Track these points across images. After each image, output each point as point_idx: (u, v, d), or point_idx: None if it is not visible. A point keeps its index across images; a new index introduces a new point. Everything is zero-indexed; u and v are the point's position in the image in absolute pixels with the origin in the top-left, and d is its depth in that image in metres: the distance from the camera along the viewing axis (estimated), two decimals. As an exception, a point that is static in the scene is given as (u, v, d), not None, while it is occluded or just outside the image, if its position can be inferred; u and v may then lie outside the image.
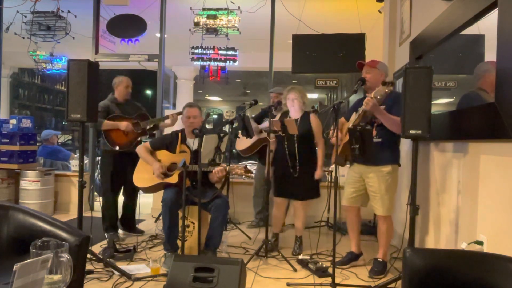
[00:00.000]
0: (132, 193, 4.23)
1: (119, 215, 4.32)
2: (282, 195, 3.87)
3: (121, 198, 4.34)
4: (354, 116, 3.21)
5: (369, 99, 2.94)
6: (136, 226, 4.44)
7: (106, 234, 4.08)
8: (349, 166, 3.48)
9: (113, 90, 4.21)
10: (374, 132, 3.18)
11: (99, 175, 4.39)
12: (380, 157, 3.17)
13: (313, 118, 3.85)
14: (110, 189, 4.13)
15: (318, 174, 3.80)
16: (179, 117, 4.08)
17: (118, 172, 4.09)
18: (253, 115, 4.63)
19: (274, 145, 3.78)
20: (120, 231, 4.30)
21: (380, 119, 3.08)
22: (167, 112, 5.59)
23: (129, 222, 4.32)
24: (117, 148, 4.02)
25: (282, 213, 4.03)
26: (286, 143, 3.77)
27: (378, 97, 2.97)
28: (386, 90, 2.96)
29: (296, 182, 3.76)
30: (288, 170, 3.76)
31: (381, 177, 3.20)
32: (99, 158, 4.76)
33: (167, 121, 4.30)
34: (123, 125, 4.00)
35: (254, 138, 4.22)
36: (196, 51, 5.77)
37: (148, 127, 4.19)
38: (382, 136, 3.19)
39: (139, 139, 4.12)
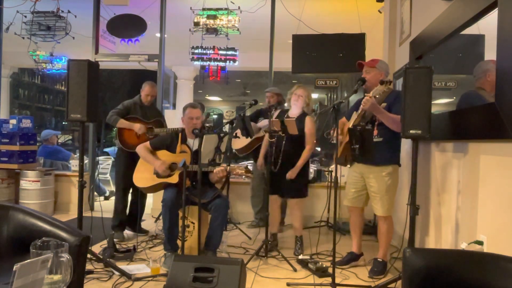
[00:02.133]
0: (142, 193, 4.22)
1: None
2: (271, 192, 3.86)
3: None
4: (354, 116, 3.21)
5: (367, 99, 2.94)
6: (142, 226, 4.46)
7: (112, 231, 4.07)
8: (349, 166, 3.47)
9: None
10: (376, 132, 3.18)
11: (115, 173, 4.46)
12: (381, 157, 3.15)
13: (308, 121, 3.85)
14: (121, 185, 4.21)
15: (289, 173, 3.74)
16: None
17: (129, 170, 4.09)
18: (247, 115, 4.62)
19: (268, 144, 3.77)
20: (126, 231, 4.31)
21: (379, 118, 3.08)
22: (167, 113, 5.59)
23: (135, 221, 4.32)
24: (128, 149, 4.12)
25: (276, 211, 4.01)
26: (276, 141, 3.76)
27: (377, 96, 2.97)
28: (385, 89, 2.96)
29: (277, 179, 3.74)
30: (272, 167, 3.76)
31: (381, 178, 3.20)
32: (99, 158, 4.77)
33: None
34: (137, 126, 4.12)
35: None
36: (196, 51, 5.77)
37: (160, 134, 4.22)
38: (383, 135, 3.17)
39: None
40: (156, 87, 4.39)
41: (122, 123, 4.11)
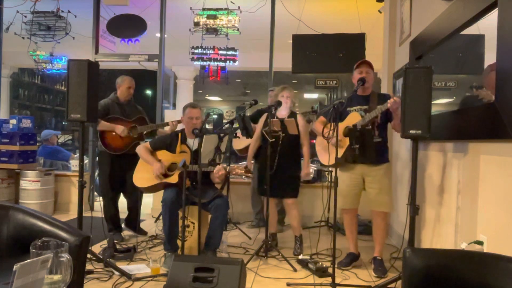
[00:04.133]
0: (133, 194, 4.17)
1: (123, 215, 4.32)
2: (262, 194, 3.87)
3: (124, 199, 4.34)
4: (355, 116, 3.23)
5: (398, 100, 2.95)
6: (140, 227, 4.43)
7: (110, 234, 4.06)
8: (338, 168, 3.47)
9: (115, 89, 4.19)
10: (376, 132, 3.28)
11: (99, 176, 4.38)
12: (382, 155, 3.31)
13: (300, 119, 3.92)
14: (109, 190, 4.12)
15: (304, 173, 3.83)
16: (179, 125, 4.06)
17: (116, 173, 4.06)
18: (247, 115, 4.62)
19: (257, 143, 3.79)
20: (125, 232, 4.31)
21: (395, 118, 3.14)
22: (167, 113, 5.59)
23: (133, 222, 4.29)
24: (111, 151, 3.99)
25: (273, 212, 4.01)
26: (271, 141, 3.78)
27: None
28: None
29: (273, 180, 3.73)
30: (267, 168, 3.76)
31: (387, 173, 3.33)
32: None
33: (166, 129, 4.24)
34: (119, 129, 3.96)
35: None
36: (196, 51, 5.77)
37: (145, 132, 4.16)
38: (383, 136, 3.32)
39: (134, 142, 4.06)
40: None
41: (104, 125, 3.93)
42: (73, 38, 5.73)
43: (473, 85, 2.73)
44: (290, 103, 3.90)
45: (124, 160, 3.99)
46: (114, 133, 3.99)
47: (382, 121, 3.29)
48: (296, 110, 4.11)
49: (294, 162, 3.90)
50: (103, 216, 4.04)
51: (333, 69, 5.42)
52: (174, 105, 10.07)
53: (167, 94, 9.04)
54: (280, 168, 3.76)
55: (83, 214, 3.23)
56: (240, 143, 4.44)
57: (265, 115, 3.93)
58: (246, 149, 4.48)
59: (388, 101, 3.03)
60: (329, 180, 4.83)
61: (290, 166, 3.84)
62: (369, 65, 3.34)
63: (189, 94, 10.53)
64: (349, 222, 3.50)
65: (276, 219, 4.21)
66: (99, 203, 4.37)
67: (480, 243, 2.26)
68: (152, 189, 3.66)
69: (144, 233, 4.37)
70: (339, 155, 3.24)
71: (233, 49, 5.80)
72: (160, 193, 3.53)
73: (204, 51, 5.77)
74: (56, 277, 1.25)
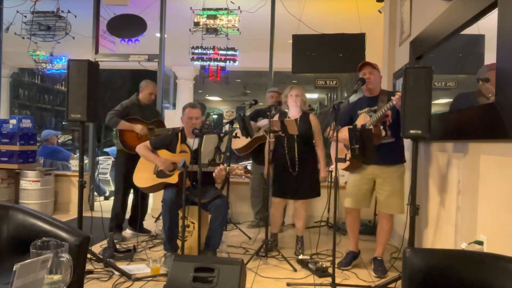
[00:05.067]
0: (143, 193, 4.20)
1: (127, 215, 4.34)
2: (281, 195, 3.86)
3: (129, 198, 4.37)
4: (365, 118, 3.22)
5: (400, 95, 2.92)
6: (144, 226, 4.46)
7: (110, 233, 4.07)
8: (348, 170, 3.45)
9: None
10: (389, 133, 3.24)
11: (115, 174, 4.44)
12: (395, 156, 3.28)
13: (313, 118, 3.88)
14: (122, 189, 4.18)
15: (323, 174, 3.82)
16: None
17: (130, 172, 4.08)
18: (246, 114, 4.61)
19: (272, 144, 3.78)
20: (128, 231, 4.32)
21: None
22: (167, 113, 5.59)
23: (138, 222, 4.33)
24: (129, 150, 4.07)
25: (280, 213, 4.03)
26: (286, 142, 3.77)
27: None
28: None
29: (296, 181, 3.75)
30: (287, 169, 3.76)
31: (400, 177, 3.28)
32: (99, 158, 4.76)
33: None
34: (138, 128, 4.08)
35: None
36: (196, 51, 5.76)
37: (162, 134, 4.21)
38: (395, 135, 3.24)
39: None
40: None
41: (123, 124, 4.06)
42: (73, 38, 5.72)
43: (479, 77, 2.69)
44: (299, 102, 3.82)
45: (139, 159, 4.02)
46: (132, 133, 4.09)
47: (394, 120, 3.21)
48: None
49: (313, 162, 3.86)
50: (111, 212, 4.10)
51: (333, 69, 5.42)
52: (174, 105, 10.06)
53: (167, 94, 9.03)
54: (302, 169, 3.75)
55: (83, 214, 3.23)
56: (237, 142, 4.43)
57: (277, 115, 3.90)
58: (243, 148, 4.48)
59: (393, 98, 2.99)
60: (329, 180, 4.83)
61: (310, 166, 3.80)
62: (372, 65, 3.31)
63: (189, 94, 10.53)
64: (351, 222, 3.50)
65: (282, 221, 4.21)
66: (99, 203, 4.38)
67: (480, 243, 2.26)
68: (152, 189, 3.66)
69: (147, 231, 4.38)
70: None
71: (233, 49, 5.79)
72: (160, 193, 3.53)
73: (204, 51, 5.76)
74: (56, 277, 1.25)
